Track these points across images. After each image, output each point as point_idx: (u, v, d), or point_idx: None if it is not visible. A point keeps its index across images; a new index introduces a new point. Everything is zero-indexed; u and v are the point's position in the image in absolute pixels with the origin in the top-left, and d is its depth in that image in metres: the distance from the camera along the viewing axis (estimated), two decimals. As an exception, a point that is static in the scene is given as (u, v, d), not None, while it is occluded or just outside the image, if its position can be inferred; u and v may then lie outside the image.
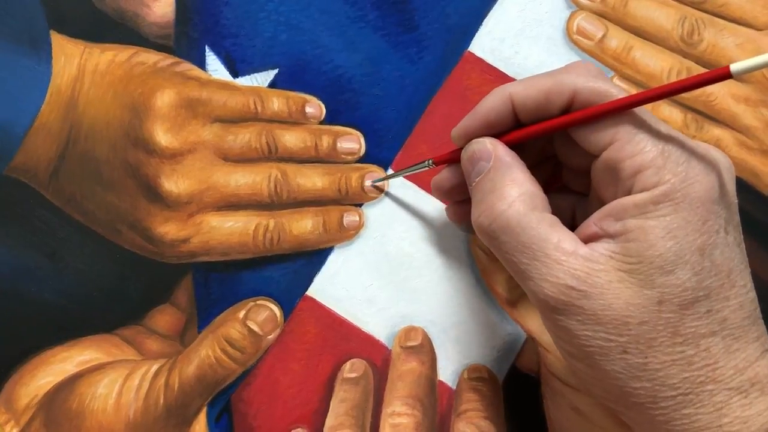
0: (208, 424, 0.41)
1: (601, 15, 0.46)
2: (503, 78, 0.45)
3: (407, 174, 0.43)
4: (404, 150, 0.44)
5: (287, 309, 0.42)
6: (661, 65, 0.45)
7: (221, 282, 0.42)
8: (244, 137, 0.43)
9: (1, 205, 0.42)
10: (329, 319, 0.42)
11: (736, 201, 0.33)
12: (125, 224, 0.42)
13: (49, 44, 0.43)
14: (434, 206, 0.43)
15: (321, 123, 0.44)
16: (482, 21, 0.46)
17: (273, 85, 0.44)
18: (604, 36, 0.46)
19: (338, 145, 0.44)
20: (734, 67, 0.29)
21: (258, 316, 0.42)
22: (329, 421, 0.41)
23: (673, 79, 0.45)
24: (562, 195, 0.39)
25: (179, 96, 0.42)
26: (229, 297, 0.42)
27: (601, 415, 0.36)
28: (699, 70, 0.46)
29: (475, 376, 0.42)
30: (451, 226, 0.43)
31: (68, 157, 0.42)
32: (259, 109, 0.43)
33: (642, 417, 0.32)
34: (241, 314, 0.42)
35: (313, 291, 0.43)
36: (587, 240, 0.32)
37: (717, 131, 0.45)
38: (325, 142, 0.44)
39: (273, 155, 0.43)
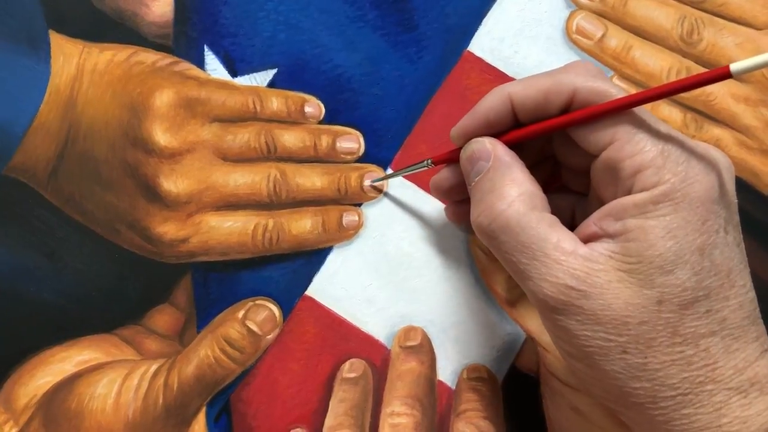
0: (207, 424, 0.41)
1: (601, 14, 0.46)
2: (503, 77, 0.45)
3: (406, 174, 0.43)
4: (403, 150, 0.44)
5: (286, 309, 0.42)
6: (661, 65, 0.45)
7: (220, 282, 0.42)
8: (243, 137, 0.43)
9: (0, 205, 0.42)
10: (328, 318, 0.42)
11: (736, 201, 0.33)
12: (124, 224, 0.42)
13: (48, 44, 0.43)
14: (433, 206, 0.43)
15: (320, 123, 0.44)
16: (481, 20, 0.46)
17: (272, 84, 0.44)
18: (603, 35, 0.46)
19: (337, 144, 0.44)
20: (734, 67, 0.29)
21: (257, 316, 0.42)
22: (328, 421, 0.41)
23: (673, 78, 0.45)
24: (561, 195, 0.39)
25: (178, 95, 0.42)
26: (228, 297, 0.42)
27: (600, 415, 0.36)
28: (698, 69, 0.46)
29: (475, 375, 0.42)
30: (450, 226, 0.43)
31: (67, 156, 0.42)
32: (258, 108, 0.43)
33: (641, 417, 0.32)
34: (240, 314, 0.42)
35: (312, 291, 0.43)
36: (587, 240, 0.32)
37: (717, 131, 0.45)
38: (325, 141, 0.44)
39: (272, 155, 0.43)
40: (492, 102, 0.35)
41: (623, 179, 0.32)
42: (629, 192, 0.32)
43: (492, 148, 0.35)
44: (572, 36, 0.46)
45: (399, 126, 0.45)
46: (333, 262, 0.43)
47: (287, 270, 0.43)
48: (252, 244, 0.42)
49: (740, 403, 0.30)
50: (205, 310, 0.42)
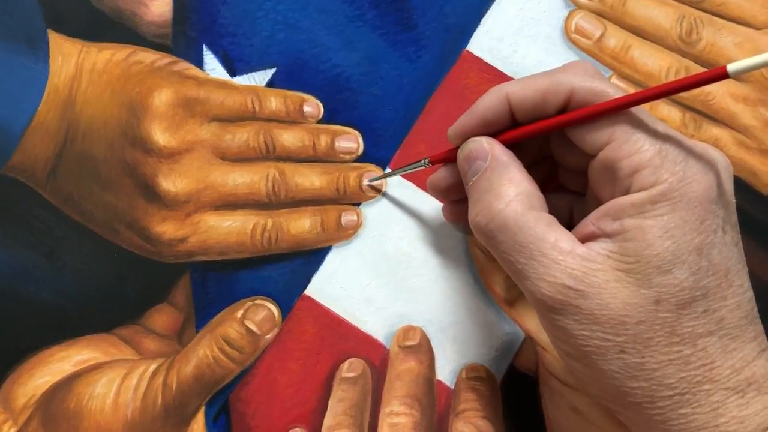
0: (206, 424, 0.41)
1: (600, 14, 0.46)
2: (501, 77, 0.45)
3: (404, 173, 0.43)
4: (402, 149, 0.44)
5: (285, 308, 0.42)
6: (660, 64, 0.45)
7: (219, 281, 0.42)
8: (241, 136, 0.43)
9: (-1, 205, 0.42)
10: (327, 318, 0.42)
11: (734, 200, 0.33)
12: (123, 223, 0.42)
13: (47, 43, 0.43)
14: (432, 206, 0.43)
15: (319, 122, 0.44)
16: (480, 20, 0.46)
17: (271, 84, 0.44)
18: (602, 35, 0.46)
19: (336, 144, 0.44)
20: (731, 67, 0.29)
21: (256, 316, 0.42)
22: (327, 421, 0.41)
23: (672, 78, 0.45)
24: (559, 195, 0.39)
25: (177, 95, 0.42)
26: (227, 296, 0.42)
27: (598, 415, 0.36)
28: (697, 69, 0.46)
29: (474, 375, 0.42)
30: (449, 226, 0.43)
31: (66, 156, 0.42)
32: (257, 108, 0.43)
33: (639, 417, 0.32)
34: (239, 314, 0.42)
35: (311, 290, 0.43)
36: (585, 239, 0.32)
37: (715, 130, 0.45)
38: (323, 141, 0.44)
39: (271, 154, 0.43)
40: (489, 101, 0.35)
41: (621, 179, 0.32)
42: (627, 192, 0.32)
43: (489, 147, 0.35)
44: (571, 35, 0.46)
45: (398, 125, 0.45)
46: (332, 261, 0.43)
47: (286, 269, 0.43)
48: (251, 244, 0.42)
49: (737, 403, 0.30)
50: (204, 310, 0.42)
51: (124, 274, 0.42)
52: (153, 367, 0.41)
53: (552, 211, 0.34)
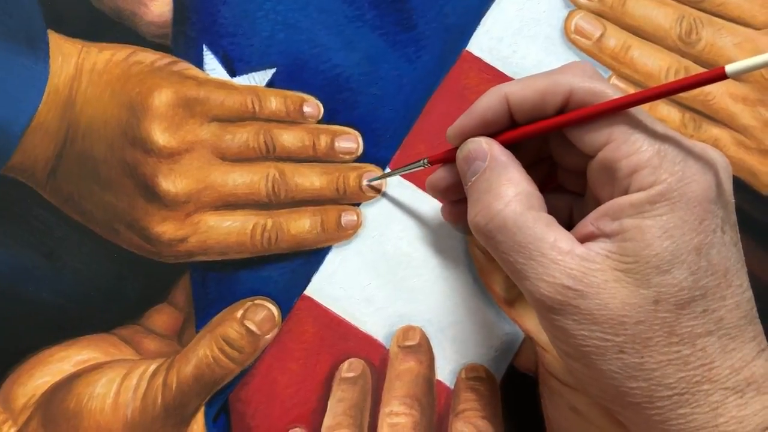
0: (206, 424, 0.41)
1: (599, 14, 0.46)
2: (501, 77, 0.45)
3: (404, 173, 0.43)
4: (402, 149, 0.44)
5: (285, 308, 0.42)
6: (659, 64, 0.45)
7: (219, 281, 0.42)
8: (241, 136, 0.43)
9: (-1, 205, 0.42)
10: (327, 318, 0.42)
11: (733, 200, 0.33)
12: (123, 224, 0.42)
13: (47, 43, 0.43)
14: (432, 206, 0.43)
15: (319, 122, 0.44)
16: (480, 20, 0.46)
17: (271, 84, 0.44)
18: (602, 35, 0.46)
19: (336, 144, 0.44)
20: (729, 68, 0.29)
21: (256, 316, 0.42)
22: (327, 421, 0.41)
23: (672, 78, 0.45)
24: (558, 195, 0.39)
25: (177, 95, 0.42)
26: (227, 296, 0.42)
27: (598, 415, 0.36)
28: (697, 69, 0.45)
29: (473, 375, 0.42)
30: (448, 226, 0.43)
31: (66, 156, 0.42)
32: (257, 108, 0.43)
33: (638, 417, 0.32)
34: (239, 314, 0.42)
35: (311, 290, 0.43)
36: (584, 239, 0.32)
37: (715, 130, 0.45)
38: (323, 141, 0.44)
39: (271, 155, 0.43)
40: (488, 102, 0.35)
41: (620, 179, 0.32)
42: (626, 192, 0.32)
43: (488, 147, 0.35)
44: (571, 36, 0.46)
45: (398, 125, 0.45)
46: (332, 261, 0.43)
47: (286, 270, 0.43)
48: (251, 244, 0.42)
49: (737, 403, 0.30)
50: (204, 310, 0.42)
51: (124, 274, 0.42)
52: (153, 367, 0.41)
53: (551, 211, 0.34)
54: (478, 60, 0.45)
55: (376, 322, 0.43)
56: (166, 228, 0.42)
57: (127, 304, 0.42)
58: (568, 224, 0.34)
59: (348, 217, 0.43)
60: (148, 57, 0.43)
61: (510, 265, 0.33)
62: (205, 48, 0.44)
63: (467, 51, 0.45)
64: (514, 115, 0.35)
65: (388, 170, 0.44)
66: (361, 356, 0.42)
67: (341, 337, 0.42)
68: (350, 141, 0.44)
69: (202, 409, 0.41)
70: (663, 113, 0.45)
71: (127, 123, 0.42)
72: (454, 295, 0.43)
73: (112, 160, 0.42)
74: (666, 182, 0.30)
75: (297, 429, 0.41)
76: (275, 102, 0.44)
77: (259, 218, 0.43)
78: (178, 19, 0.44)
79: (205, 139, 0.42)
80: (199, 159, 0.42)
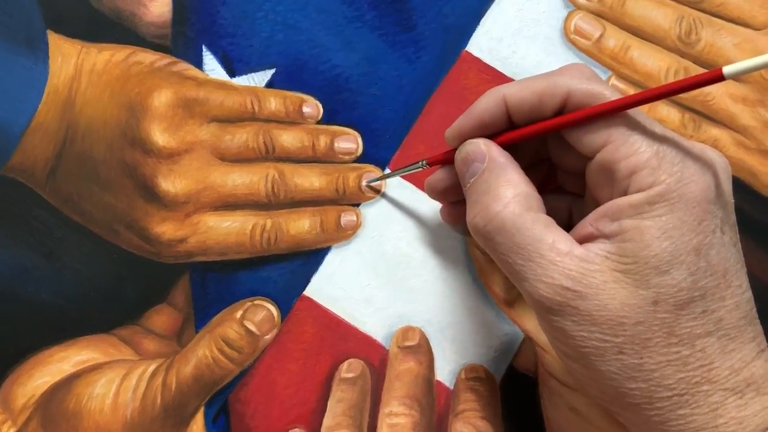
0: (205, 424, 0.41)
1: (599, 15, 0.46)
2: (501, 78, 0.45)
3: (402, 174, 0.43)
4: (402, 150, 0.44)
5: (284, 309, 0.42)
6: (659, 65, 0.45)
7: (218, 282, 0.42)
8: (241, 137, 0.43)
9: (-2, 205, 0.42)
10: (326, 319, 0.42)
11: (733, 201, 0.33)
12: (122, 224, 0.42)
13: (46, 44, 0.43)
14: (431, 206, 0.43)
15: (318, 123, 0.44)
16: (480, 21, 0.46)
17: (270, 84, 0.44)
18: (601, 36, 0.46)
19: (335, 144, 0.44)
20: (727, 70, 0.29)
21: (255, 316, 0.42)
22: (326, 421, 0.41)
23: (671, 78, 0.45)
24: (558, 196, 0.39)
25: (176, 96, 0.42)
26: (227, 297, 0.42)
27: (597, 415, 0.36)
28: (697, 69, 0.45)
29: (473, 376, 0.42)
30: (448, 226, 0.43)
31: (65, 156, 0.42)
32: (257, 108, 0.43)
33: (638, 417, 0.32)
34: (239, 314, 0.42)
35: (310, 291, 0.43)
36: (583, 240, 0.32)
37: (715, 131, 0.45)
38: (323, 141, 0.44)
39: (270, 155, 0.43)
40: (487, 103, 0.35)
41: (619, 180, 0.32)
42: (625, 193, 0.32)
43: (486, 149, 0.35)
44: (570, 36, 0.46)
45: (397, 126, 0.45)
46: (331, 262, 0.43)
47: (285, 270, 0.43)
48: (250, 244, 0.42)
49: (736, 404, 0.30)
50: (204, 311, 0.42)
51: (124, 275, 0.42)
52: (152, 367, 0.41)
53: (551, 212, 0.34)
54: (478, 60, 0.45)
55: (375, 323, 0.43)
56: (166, 228, 0.42)
57: (126, 305, 0.42)
58: (568, 225, 0.34)
59: (347, 217, 0.43)
60: (147, 57, 0.43)
61: (509, 267, 0.33)
62: (204, 48, 0.44)
63: (467, 51, 0.45)
64: (512, 117, 0.35)
65: (387, 171, 0.44)
66: (361, 357, 0.42)
67: (341, 338, 0.42)
68: (350, 141, 0.44)
69: (202, 409, 0.41)
70: (663, 114, 0.45)
71: (127, 123, 0.42)
72: (453, 296, 0.43)
73: (112, 160, 0.42)
74: (665, 183, 0.30)
75: (296, 429, 0.41)
76: (275, 102, 0.44)
77: (258, 219, 0.43)
78: (177, 19, 0.44)
79: (205, 139, 0.42)
80: (199, 159, 0.42)
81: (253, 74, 0.44)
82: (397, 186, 0.44)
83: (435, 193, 0.40)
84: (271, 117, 0.44)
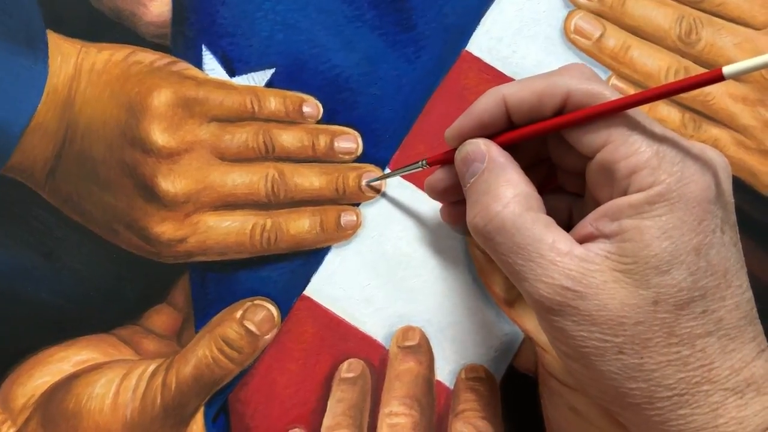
0: (205, 424, 0.41)
1: (599, 14, 0.46)
2: (501, 77, 0.45)
3: (402, 174, 0.43)
4: (402, 149, 0.44)
5: (284, 309, 0.42)
6: (659, 64, 0.45)
7: (218, 282, 0.42)
8: (241, 137, 0.43)
9: (-2, 205, 0.42)
10: (327, 318, 0.42)
11: (733, 200, 0.33)
12: (122, 224, 0.42)
13: (46, 43, 0.43)
14: (431, 206, 0.43)
15: (318, 122, 0.44)
16: (480, 20, 0.46)
17: (270, 84, 0.44)
18: (601, 35, 0.46)
19: (335, 144, 0.44)
20: (726, 70, 0.29)
21: (255, 316, 0.42)
22: (327, 421, 0.41)
23: (671, 78, 0.45)
24: (558, 196, 0.39)
25: (176, 95, 0.42)
26: (226, 297, 0.42)
27: (597, 415, 0.36)
28: (697, 69, 0.45)
29: (473, 375, 0.42)
30: (448, 226, 0.43)
31: (65, 156, 0.42)
32: (256, 108, 0.43)
33: (638, 417, 0.32)
34: (238, 314, 0.42)
35: (310, 291, 0.43)
36: (583, 240, 0.32)
37: (715, 131, 0.45)
38: (323, 141, 0.44)
39: (270, 155, 0.43)
40: (486, 104, 0.35)
41: (618, 180, 0.32)
42: (625, 193, 0.32)
43: (486, 149, 0.35)
44: (570, 36, 0.46)
45: (397, 126, 0.45)
46: (331, 262, 0.43)
47: (285, 270, 0.43)
48: (250, 244, 0.42)
49: (736, 404, 0.30)
50: (203, 310, 0.42)
51: (124, 275, 0.42)
52: (152, 367, 0.41)
53: (551, 212, 0.34)
54: (478, 60, 0.45)
55: (375, 323, 0.43)
56: (166, 228, 0.42)
57: (126, 305, 0.42)
58: (568, 225, 0.34)
59: (347, 217, 0.43)
60: (147, 57, 0.43)
61: (509, 267, 0.33)
62: (204, 48, 0.44)
63: (467, 51, 0.45)
64: (511, 117, 0.35)
65: (387, 171, 0.44)
66: (361, 356, 0.42)
67: (341, 338, 0.42)
68: (350, 141, 0.44)
69: (202, 409, 0.41)
70: (663, 113, 0.45)
71: (126, 123, 0.42)
72: (453, 296, 0.43)
73: (111, 160, 0.42)
74: (665, 183, 0.30)
75: (296, 429, 0.41)
76: (274, 102, 0.44)
77: (258, 218, 0.43)
78: (177, 19, 0.44)
79: (205, 139, 0.42)
80: (199, 159, 0.42)
81: (252, 74, 0.44)
82: (397, 186, 0.44)
83: (435, 193, 0.40)
84: (271, 117, 0.44)
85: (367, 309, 0.43)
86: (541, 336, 0.37)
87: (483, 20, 0.46)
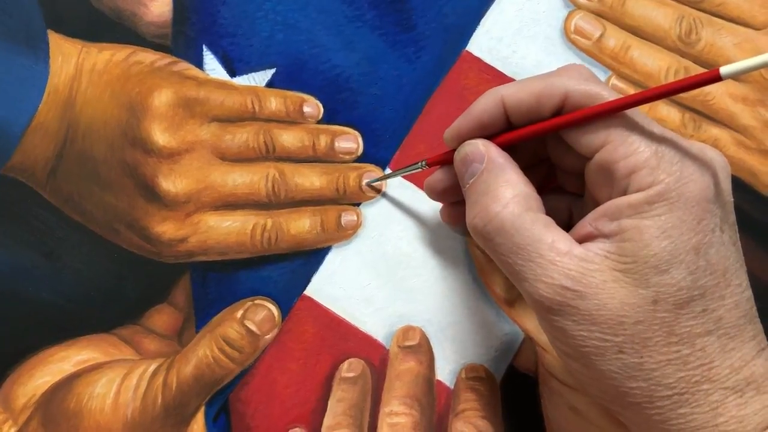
0: (206, 424, 0.41)
1: (599, 14, 0.46)
2: (501, 77, 0.45)
3: (402, 174, 0.43)
4: (402, 149, 0.44)
5: (285, 308, 0.42)
6: (659, 64, 0.45)
7: (219, 281, 0.42)
8: (241, 137, 0.43)
9: (-1, 205, 0.42)
10: (327, 318, 0.42)
11: (732, 200, 0.33)
12: (123, 224, 0.42)
13: (47, 43, 0.43)
14: (431, 206, 0.43)
15: (319, 122, 0.44)
16: (480, 20, 0.46)
17: (270, 84, 0.44)
18: (601, 35, 0.46)
19: (336, 144, 0.44)
20: (724, 70, 0.29)
21: (256, 316, 0.42)
22: (327, 421, 0.41)
23: (671, 78, 0.45)
24: (557, 196, 0.39)
25: (177, 95, 0.42)
26: (227, 296, 0.42)
27: (598, 415, 0.36)
28: (697, 69, 0.45)
29: (473, 375, 0.42)
30: (448, 226, 0.43)
31: (66, 156, 0.42)
32: (257, 108, 0.43)
33: (638, 417, 0.32)
34: (239, 314, 0.42)
35: (311, 290, 0.43)
36: (582, 240, 0.32)
37: (715, 131, 0.45)
38: (323, 141, 0.44)
39: (271, 155, 0.43)
40: (485, 104, 0.36)
41: (618, 180, 0.32)
42: (624, 193, 0.32)
43: (485, 150, 0.35)
44: (570, 36, 0.46)
45: (397, 126, 0.45)
46: (331, 261, 0.43)
47: (286, 270, 0.43)
48: (250, 244, 0.42)
49: (736, 403, 0.30)
50: (204, 310, 0.42)
51: (124, 275, 0.42)
52: (153, 367, 0.41)
53: (551, 212, 0.34)
54: (478, 60, 0.45)
55: (376, 323, 0.43)
56: (166, 228, 0.42)
57: (127, 305, 0.42)
58: (568, 225, 0.34)
59: (348, 217, 0.43)
60: (147, 57, 0.43)
61: (509, 267, 0.33)
62: (204, 48, 0.44)
63: (467, 51, 0.45)
64: (510, 118, 0.35)
65: (388, 171, 0.44)
66: (361, 356, 0.42)
67: (341, 337, 0.42)
68: (350, 141, 0.44)
69: (202, 409, 0.41)
70: (663, 113, 0.45)
71: (127, 123, 0.42)
72: (453, 295, 0.43)
73: (112, 160, 0.42)
74: (664, 182, 0.31)
75: (297, 429, 0.41)
76: (275, 102, 0.44)
77: (259, 218, 0.43)
78: (177, 19, 0.44)
79: (205, 139, 0.42)
80: (199, 159, 0.42)
81: (253, 74, 0.44)
82: (398, 186, 0.44)
83: (434, 194, 0.40)
84: (271, 117, 0.44)
85: (368, 309, 0.43)
86: (541, 336, 0.37)
87: (483, 20, 0.46)
